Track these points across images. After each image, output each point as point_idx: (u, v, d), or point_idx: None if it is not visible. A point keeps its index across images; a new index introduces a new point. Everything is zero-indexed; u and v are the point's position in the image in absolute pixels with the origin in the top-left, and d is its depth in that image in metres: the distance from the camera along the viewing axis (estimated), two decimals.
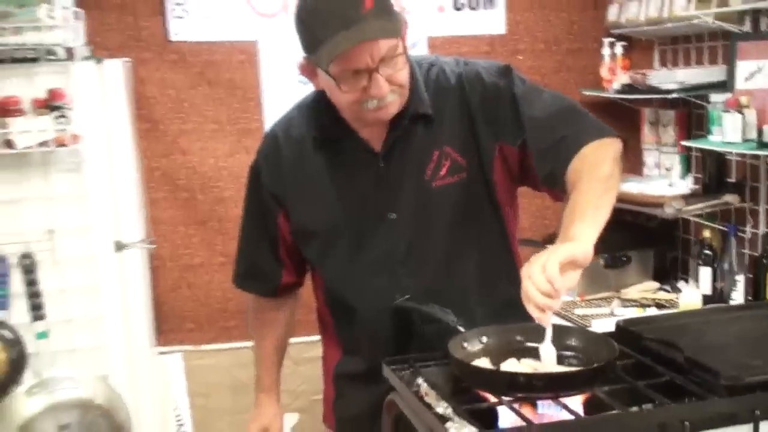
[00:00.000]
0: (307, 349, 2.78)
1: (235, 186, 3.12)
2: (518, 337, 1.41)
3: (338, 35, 1.44)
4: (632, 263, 3.16)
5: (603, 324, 2.67)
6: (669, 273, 3.24)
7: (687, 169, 3.13)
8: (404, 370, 1.44)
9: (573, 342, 1.40)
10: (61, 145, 2.56)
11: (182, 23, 3.07)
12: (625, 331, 1.49)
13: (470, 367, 1.32)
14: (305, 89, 1.73)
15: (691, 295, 2.82)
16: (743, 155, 2.77)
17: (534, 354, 1.36)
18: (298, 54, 1.57)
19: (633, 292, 3.08)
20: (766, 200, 2.74)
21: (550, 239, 1.62)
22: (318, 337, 1.90)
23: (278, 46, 3.14)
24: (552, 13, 3.39)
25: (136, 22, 3.05)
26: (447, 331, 1.47)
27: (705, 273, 2.82)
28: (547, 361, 1.33)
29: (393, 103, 1.55)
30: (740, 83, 2.67)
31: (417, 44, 3.23)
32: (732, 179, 2.88)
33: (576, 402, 1.27)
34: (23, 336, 2.57)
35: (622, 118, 3.35)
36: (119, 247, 2.79)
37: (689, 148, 3.09)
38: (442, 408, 1.28)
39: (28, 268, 2.58)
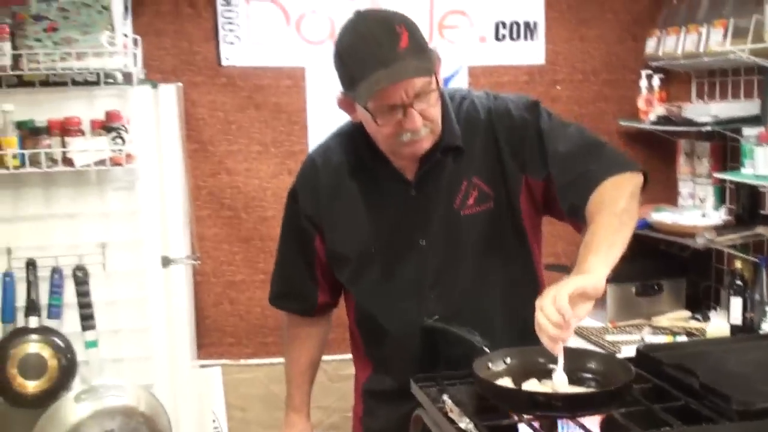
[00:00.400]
0: (343, 367, 2.82)
1: (277, 206, 3.08)
2: (540, 359, 1.45)
3: (376, 74, 1.49)
4: (664, 292, 3.17)
5: (632, 351, 2.68)
6: (701, 302, 3.23)
7: (721, 200, 3.13)
8: (431, 387, 1.48)
9: (593, 365, 1.44)
10: (117, 164, 2.62)
11: (233, 49, 3.15)
12: (645, 356, 1.53)
13: (493, 385, 1.37)
14: (346, 116, 1.74)
15: (718, 324, 2.83)
16: None
17: None
18: (337, 88, 1.62)
19: (664, 320, 3.09)
20: None
21: None
22: None
23: (324, 73, 3.13)
24: (591, 44, 3.40)
25: (191, 47, 3.12)
26: (473, 352, 1.51)
27: (736, 303, 2.82)
28: (560, 387, 1.38)
29: (426, 138, 1.60)
30: None
31: (458, 73, 3.26)
32: (765, 211, 2.89)
33: (594, 422, 1.31)
34: (74, 344, 2.64)
35: (658, 148, 3.37)
36: (166, 262, 2.83)
37: (723, 180, 3.09)
38: (465, 424, 1.32)
39: (81, 279, 2.64)
